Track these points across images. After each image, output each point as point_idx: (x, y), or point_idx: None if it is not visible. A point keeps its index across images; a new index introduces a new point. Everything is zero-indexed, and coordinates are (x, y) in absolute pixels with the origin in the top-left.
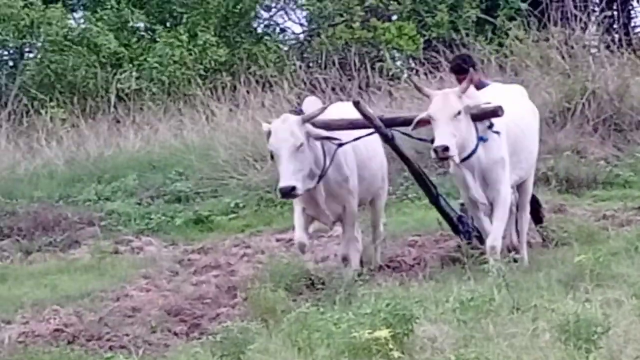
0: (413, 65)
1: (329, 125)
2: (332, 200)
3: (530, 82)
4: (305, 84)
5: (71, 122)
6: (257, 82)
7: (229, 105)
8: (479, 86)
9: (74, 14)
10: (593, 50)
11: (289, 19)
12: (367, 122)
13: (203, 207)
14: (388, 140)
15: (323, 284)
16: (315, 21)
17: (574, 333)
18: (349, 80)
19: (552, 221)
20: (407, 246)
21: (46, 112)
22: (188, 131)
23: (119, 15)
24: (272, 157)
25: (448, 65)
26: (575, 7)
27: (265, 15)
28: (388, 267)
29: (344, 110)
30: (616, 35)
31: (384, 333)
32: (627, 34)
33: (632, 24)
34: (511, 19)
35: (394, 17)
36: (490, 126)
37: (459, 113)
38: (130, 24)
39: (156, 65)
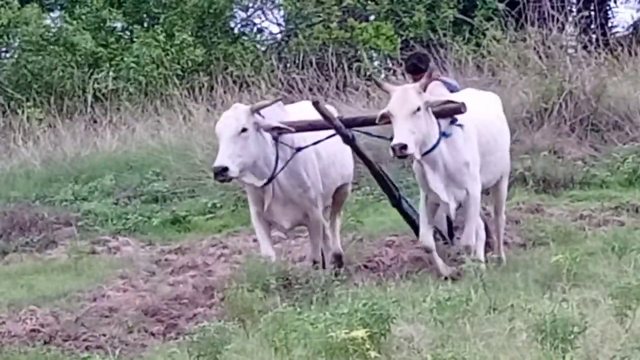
0: (390, 65)
1: (288, 128)
2: (290, 205)
3: (508, 82)
4: (282, 84)
5: (48, 122)
6: (234, 82)
7: (206, 105)
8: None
9: (51, 13)
10: (570, 51)
11: (267, 19)
12: (326, 122)
13: (180, 207)
14: (348, 141)
15: (300, 284)
16: (293, 21)
17: (551, 333)
18: (327, 80)
19: (530, 221)
20: (385, 246)
21: (23, 112)
22: (165, 131)
23: (96, 16)
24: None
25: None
26: (553, 7)
27: (243, 15)
28: (365, 267)
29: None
30: (593, 36)
31: (360, 333)
32: (604, 34)
33: (609, 24)
34: (488, 19)
35: (372, 17)
36: (453, 121)
37: (418, 109)
38: (108, 24)
39: (133, 65)
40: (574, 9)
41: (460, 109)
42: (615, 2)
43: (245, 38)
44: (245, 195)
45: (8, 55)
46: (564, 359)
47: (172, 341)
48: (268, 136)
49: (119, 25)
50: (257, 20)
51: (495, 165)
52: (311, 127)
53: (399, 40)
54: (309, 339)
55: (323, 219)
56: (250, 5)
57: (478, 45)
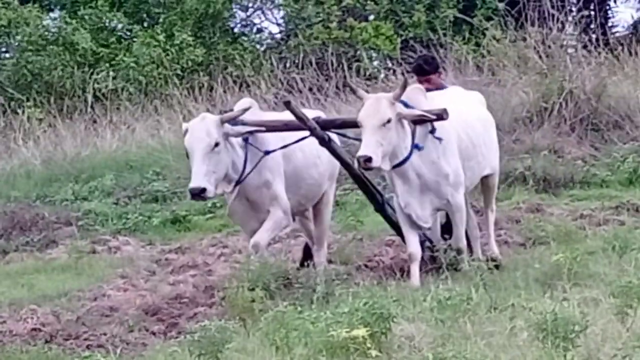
0: (390, 65)
1: (262, 127)
2: (251, 208)
3: (508, 81)
4: (282, 84)
5: (48, 122)
6: (234, 82)
7: (206, 105)
8: (440, 89)
9: (51, 13)
10: (570, 50)
11: (266, 19)
12: (300, 124)
13: (180, 207)
14: (324, 143)
15: (300, 283)
16: (292, 21)
17: (552, 332)
18: (326, 80)
19: (530, 220)
20: (385, 245)
21: (23, 112)
22: (165, 131)
23: (99, 16)
24: (187, 155)
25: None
26: (553, 6)
27: (243, 15)
28: (366, 266)
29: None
30: (593, 35)
31: (361, 332)
32: (604, 33)
33: (609, 24)
34: (488, 18)
35: (371, 17)
36: (432, 131)
37: (388, 121)
38: (109, 24)
39: (133, 65)
40: (574, 9)
41: (442, 115)
42: (615, 1)
43: (245, 38)
44: None
45: (8, 55)
46: (565, 357)
47: (172, 340)
48: (236, 141)
49: (119, 25)
50: (256, 21)
51: (476, 167)
52: (286, 127)
53: (399, 40)
54: (309, 338)
55: (290, 219)
56: (250, 5)
57: (478, 44)
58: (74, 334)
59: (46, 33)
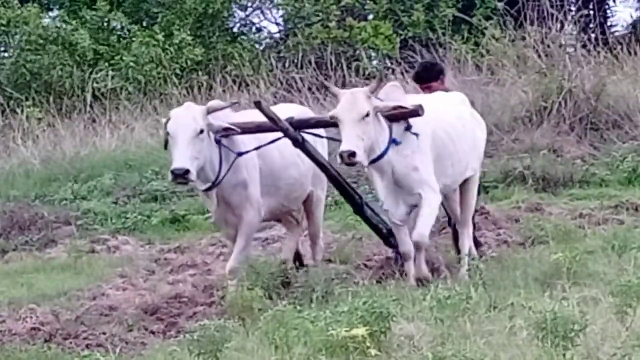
0: (389, 64)
1: (236, 130)
2: (227, 208)
3: (507, 81)
4: (281, 83)
5: (47, 121)
6: (233, 81)
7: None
8: None
9: (50, 13)
10: (569, 49)
11: (265, 18)
12: (272, 124)
13: (179, 206)
14: (298, 144)
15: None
16: (292, 20)
17: (551, 331)
18: (326, 79)
19: (529, 220)
20: (384, 245)
21: (22, 112)
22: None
23: (100, 16)
24: (166, 145)
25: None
26: (552, 6)
27: (241, 14)
28: (365, 265)
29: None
30: (592, 35)
31: (361, 331)
32: (603, 33)
33: (608, 23)
34: (487, 18)
35: (370, 17)
36: (408, 128)
37: (367, 115)
38: (109, 24)
39: (132, 64)
40: (573, 8)
41: (417, 111)
42: (614, 1)
43: (244, 37)
44: None
45: (7, 54)
46: (564, 356)
47: (172, 339)
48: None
49: (118, 24)
50: (255, 20)
51: (457, 165)
52: (259, 129)
53: (398, 39)
54: (309, 337)
55: (256, 224)
56: (249, 4)
57: (477, 44)
58: (73, 333)
59: (45, 32)
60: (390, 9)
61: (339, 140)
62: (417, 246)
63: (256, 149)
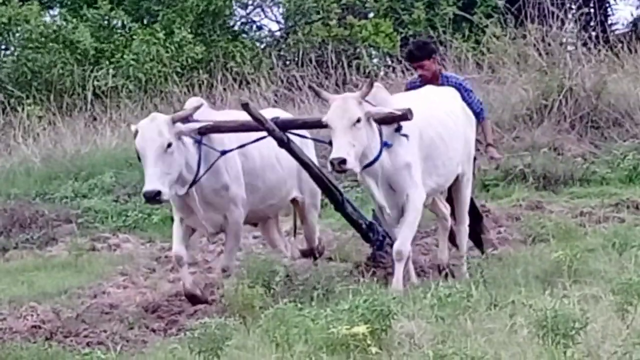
0: (390, 62)
1: (218, 128)
2: (209, 209)
3: (507, 79)
4: (282, 81)
5: (48, 119)
6: (234, 79)
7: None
8: (437, 78)
9: (51, 11)
10: (570, 48)
11: (266, 16)
12: (258, 125)
13: None
14: (283, 144)
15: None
16: (292, 18)
17: (552, 329)
18: (326, 77)
19: (530, 218)
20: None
21: (23, 110)
22: None
23: (101, 14)
24: (139, 158)
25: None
26: (553, 4)
27: (242, 12)
28: (366, 264)
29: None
30: (593, 33)
31: (361, 329)
32: (604, 31)
33: (609, 21)
34: (488, 16)
35: (371, 15)
36: (398, 129)
37: (358, 121)
38: (110, 22)
39: (133, 62)
40: (574, 6)
41: (406, 115)
42: None
43: (245, 35)
44: None
45: (8, 52)
46: (565, 354)
47: (173, 337)
48: (189, 141)
49: (118, 22)
50: (256, 18)
51: (445, 166)
52: (243, 128)
53: (399, 37)
54: (310, 334)
55: (241, 223)
56: (250, 2)
57: (478, 42)
58: (73, 331)
59: (46, 30)
60: (390, 7)
61: (323, 142)
62: (399, 256)
63: (240, 147)
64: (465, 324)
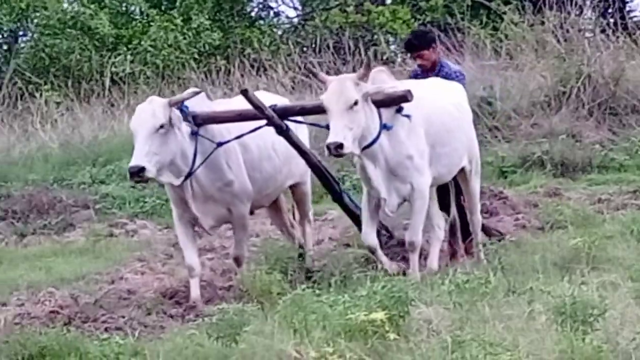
0: None
1: (214, 118)
2: (212, 203)
3: (526, 65)
4: (299, 67)
5: (66, 105)
6: (251, 65)
7: (223, 89)
8: (436, 67)
9: None
10: (588, 34)
11: (283, 2)
12: (257, 112)
13: None
14: (282, 131)
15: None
16: (310, 5)
17: (571, 315)
18: (344, 64)
19: (548, 205)
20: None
21: (41, 96)
22: None
23: (120, 0)
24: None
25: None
26: None
27: None
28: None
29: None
30: (611, 19)
31: (379, 315)
32: (622, 17)
33: (627, 8)
34: (506, 2)
35: (388, 1)
36: (399, 110)
37: (355, 103)
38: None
39: (150, 48)
40: None
41: (406, 96)
42: None
43: (262, 22)
44: None
45: (26, 38)
46: (583, 341)
47: (190, 323)
48: (186, 130)
49: (136, 9)
50: (273, 4)
51: (449, 157)
52: (240, 117)
53: (416, 24)
54: (327, 321)
55: (247, 215)
56: None
57: (496, 29)
58: (92, 316)
59: (64, 17)
60: None
61: (319, 126)
62: (412, 247)
63: (237, 137)
64: (483, 311)
